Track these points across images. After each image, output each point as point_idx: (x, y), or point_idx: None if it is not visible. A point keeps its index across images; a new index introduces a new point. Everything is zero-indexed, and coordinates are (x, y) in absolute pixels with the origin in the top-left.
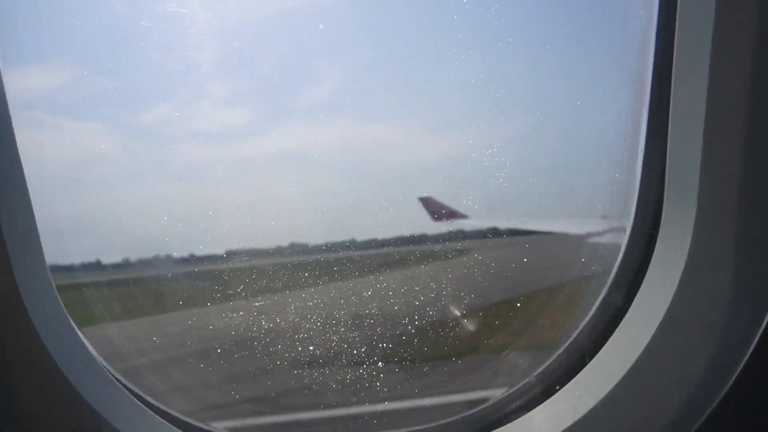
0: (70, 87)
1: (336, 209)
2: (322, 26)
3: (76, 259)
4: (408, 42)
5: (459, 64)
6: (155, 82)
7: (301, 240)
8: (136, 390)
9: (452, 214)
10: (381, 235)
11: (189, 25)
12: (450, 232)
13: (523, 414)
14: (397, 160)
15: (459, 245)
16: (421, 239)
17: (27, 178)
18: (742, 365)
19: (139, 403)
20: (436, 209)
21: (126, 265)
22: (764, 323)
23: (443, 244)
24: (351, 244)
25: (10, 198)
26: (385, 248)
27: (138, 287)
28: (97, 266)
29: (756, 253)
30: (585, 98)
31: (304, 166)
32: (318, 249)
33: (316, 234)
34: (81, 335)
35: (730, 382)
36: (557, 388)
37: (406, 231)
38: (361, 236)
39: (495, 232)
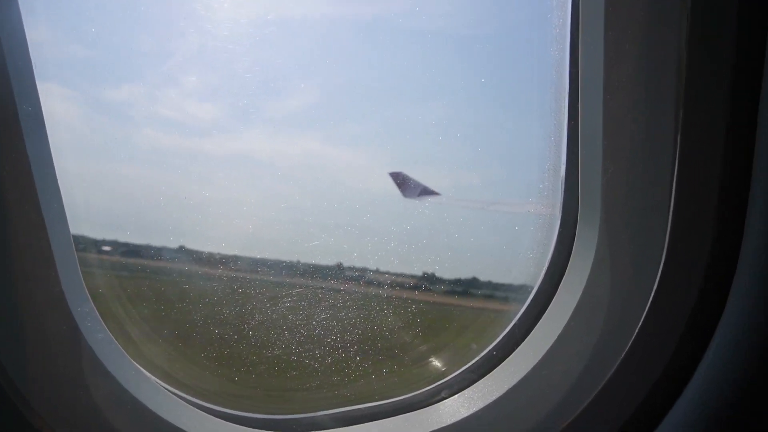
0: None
1: (291, 225)
2: (304, 41)
3: None
4: (385, 76)
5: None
6: (126, 60)
7: (245, 250)
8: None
9: (424, 191)
10: (328, 260)
11: (167, 9)
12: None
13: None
14: (361, 187)
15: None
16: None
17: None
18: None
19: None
20: (406, 184)
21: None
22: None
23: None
24: (296, 266)
25: (47, 195)
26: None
27: None
28: None
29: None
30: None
31: (265, 175)
32: (261, 264)
33: (262, 247)
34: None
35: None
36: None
37: (357, 262)
38: (308, 258)
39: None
